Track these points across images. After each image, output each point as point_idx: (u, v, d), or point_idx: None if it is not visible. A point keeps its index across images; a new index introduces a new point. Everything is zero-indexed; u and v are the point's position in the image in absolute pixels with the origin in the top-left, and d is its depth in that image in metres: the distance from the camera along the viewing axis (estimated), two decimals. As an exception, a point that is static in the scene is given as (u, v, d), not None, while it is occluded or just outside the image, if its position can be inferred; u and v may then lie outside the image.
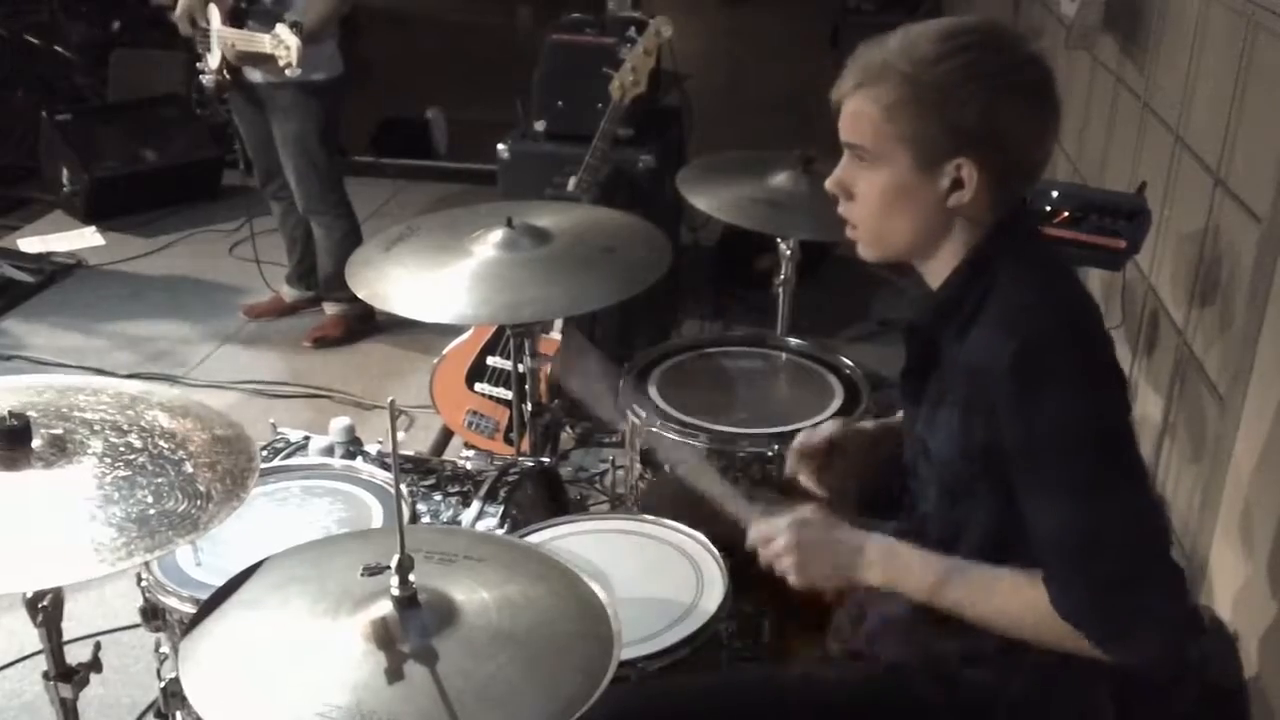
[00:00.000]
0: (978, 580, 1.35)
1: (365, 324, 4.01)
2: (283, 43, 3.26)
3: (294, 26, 3.25)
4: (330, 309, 4.03)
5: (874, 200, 1.37)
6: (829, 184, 1.41)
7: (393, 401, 1.25)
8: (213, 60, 3.65)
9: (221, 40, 3.55)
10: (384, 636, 1.20)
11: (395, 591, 1.22)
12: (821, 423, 1.70)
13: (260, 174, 3.98)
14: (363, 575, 1.25)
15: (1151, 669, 1.33)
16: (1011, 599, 1.32)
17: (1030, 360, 1.25)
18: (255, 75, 3.63)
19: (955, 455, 1.36)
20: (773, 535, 1.44)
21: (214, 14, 3.57)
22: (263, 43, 3.35)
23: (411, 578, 1.22)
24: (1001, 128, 1.30)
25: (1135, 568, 1.25)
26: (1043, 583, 1.29)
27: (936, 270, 1.40)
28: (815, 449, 1.65)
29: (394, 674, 1.16)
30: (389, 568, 1.22)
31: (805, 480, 1.65)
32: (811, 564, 1.41)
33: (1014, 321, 1.28)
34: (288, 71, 3.29)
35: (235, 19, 3.52)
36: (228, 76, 3.63)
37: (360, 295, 1.98)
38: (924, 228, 1.36)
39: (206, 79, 3.71)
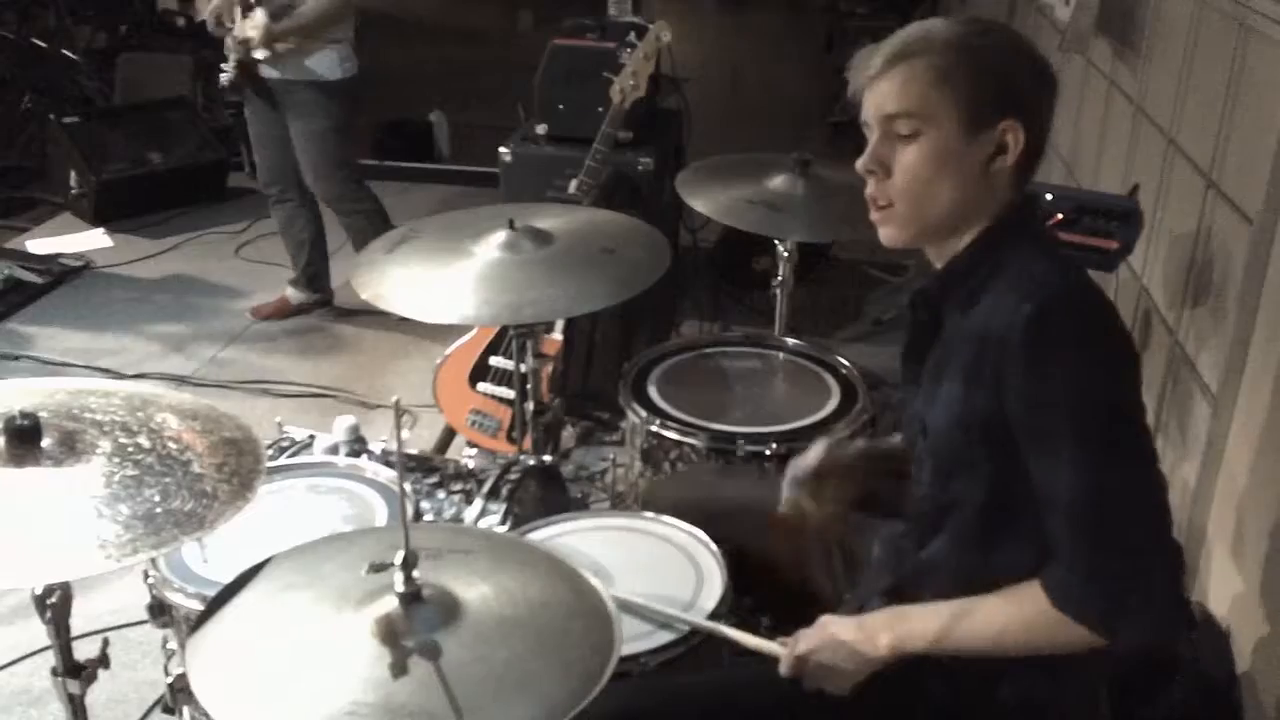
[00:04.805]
0: (976, 606, 1.35)
1: None
2: (253, 23, 3.53)
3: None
4: None
5: (918, 171, 1.35)
6: (862, 163, 1.39)
7: (398, 400, 1.25)
8: (232, 57, 3.74)
9: (234, 36, 3.64)
10: (389, 632, 1.22)
11: (400, 588, 1.23)
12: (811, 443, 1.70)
13: (264, 176, 4.02)
14: (368, 572, 1.26)
15: (1147, 650, 1.33)
16: (1009, 609, 1.33)
17: (1045, 323, 1.25)
18: (272, 73, 3.71)
19: (952, 426, 1.36)
20: (798, 672, 1.45)
21: (237, 14, 3.67)
22: (244, 26, 3.56)
23: (416, 574, 1.24)
24: (1042, 97, 1.36)
25: (1140, 538, 1.26)
26: (1039, 579, 1.30)
27: (955, 250, 1.40)
28: (806, 474, 1.67)
29: (398, 669, 1.18)
30: (394, 564, 1.24)
31: (805, 503, 1.66)
32: (838, 679, 1.42)
33: (1028, 288, 1.28)
34: (256, 53, 3.54)
35: (245, 11, 3.62)
36: (239, 74, 3.70)
37: (363, 296, 1.99)
38: (964, 196, 1.36)
39: (224, 76, 3.78)
